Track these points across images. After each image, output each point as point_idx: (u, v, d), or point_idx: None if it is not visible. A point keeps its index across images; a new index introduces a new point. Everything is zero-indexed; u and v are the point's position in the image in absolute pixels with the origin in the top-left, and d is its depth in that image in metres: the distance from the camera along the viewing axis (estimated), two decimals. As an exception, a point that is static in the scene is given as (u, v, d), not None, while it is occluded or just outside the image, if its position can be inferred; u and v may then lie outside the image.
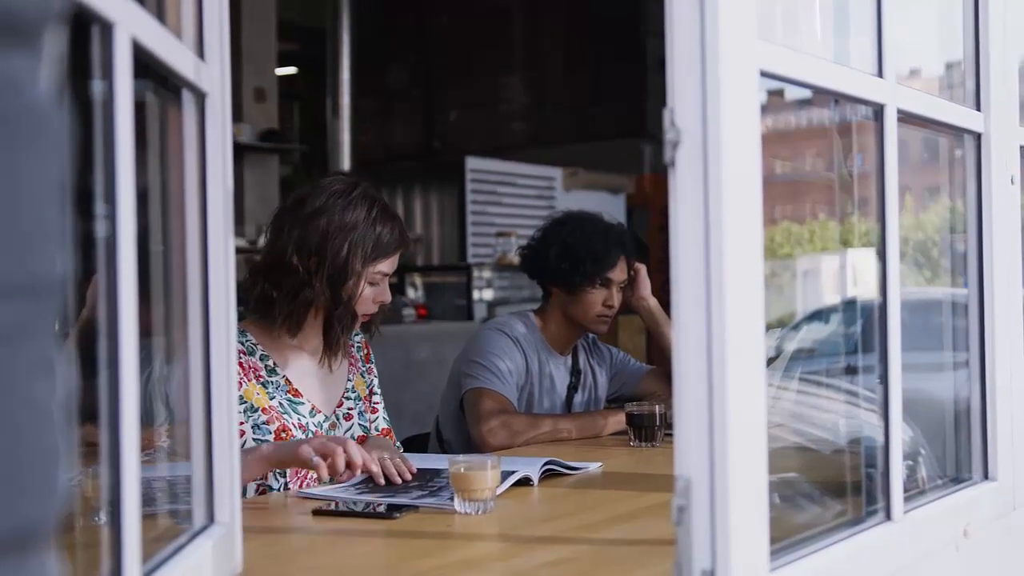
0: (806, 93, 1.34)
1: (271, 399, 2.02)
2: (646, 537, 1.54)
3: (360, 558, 1.53)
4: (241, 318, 2.07)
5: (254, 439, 1.97)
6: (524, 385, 2.65)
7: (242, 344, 2.03)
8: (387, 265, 2.07)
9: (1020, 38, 1.69)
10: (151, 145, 1.15)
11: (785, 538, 1.15)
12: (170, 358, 1.22)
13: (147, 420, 0.96)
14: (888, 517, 1.33)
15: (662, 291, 2.12)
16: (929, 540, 1.43)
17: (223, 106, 1.20)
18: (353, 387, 2.20)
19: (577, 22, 8.47)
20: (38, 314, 0.53)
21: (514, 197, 7.33)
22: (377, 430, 2.23)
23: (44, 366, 0.54)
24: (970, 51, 1.62)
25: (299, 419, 2.05)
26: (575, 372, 2.79)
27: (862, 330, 1.55)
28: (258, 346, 2.06)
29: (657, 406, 2.40)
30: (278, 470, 1.98)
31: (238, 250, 1.38)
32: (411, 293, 6.73)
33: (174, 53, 1.04)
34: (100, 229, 0.85)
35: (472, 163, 7.20)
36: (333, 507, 1.72)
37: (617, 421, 2.53)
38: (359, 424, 2.18)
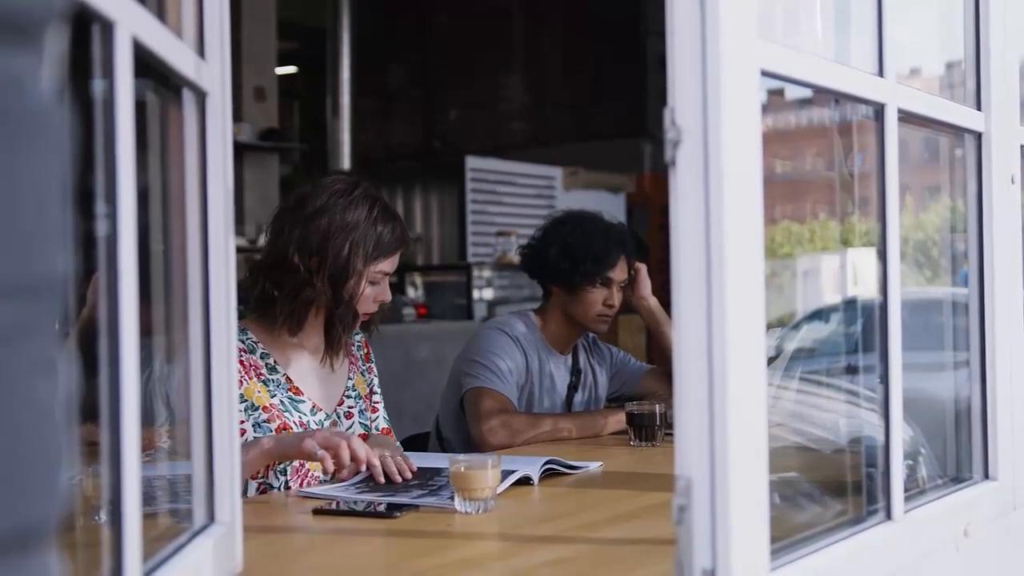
0: (806, 92, 1.34)
1: (272, 397, 2.03)
2: (646, 536, 1.54)
3: (360, 557, 1.53)
4: (241, 317, 2.07)
5: (255, 437, 1.97)
6: (524, 384, 2.65)
7: (243, 342, 2.03)
8: (388, 264, 2.08)
9: (1020, 37, 1.69)
10: (152, 144, 1.15)
11: (785, 537, 1.15)
12: (171, 357, 1.22)
13: (147, 419, 0.96)
14: (888, 517, 1.33)
15: (662, 290, 2.12)
16: (929, 540, 1.43)
17: (223, 105, 1.20)
18: (353, 385, 2.20)
19: (577, 21, 8.47)
20: (39, 314, 0.53)
21: (514, 196, 7.33)
22: (377, 429, 2.23)
23: (45, 366, 0.54)
24: (970, 50, 1.62)
25: (300, 417, 2.05)
26: (575, 371, 2.79)
27: (862, 330, 1.55)
28: (259, 344, 2.06)
29: (657, 405, 2.40)
30: (278, 469, 1.98)
31: (238, 249, 1.38)
32: (411, 292, 6.73)
33: (175, 52, 1.04)
34: (101, 228, 0.85)
35: (472, 162, 7.20)
36: (333, 506, 1.72)
37: (617, 420, 2.53)
38: (360, 423, 2.18)
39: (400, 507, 1.69)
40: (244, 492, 1.90)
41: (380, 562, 1.52)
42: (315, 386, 2.11)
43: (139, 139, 0.89)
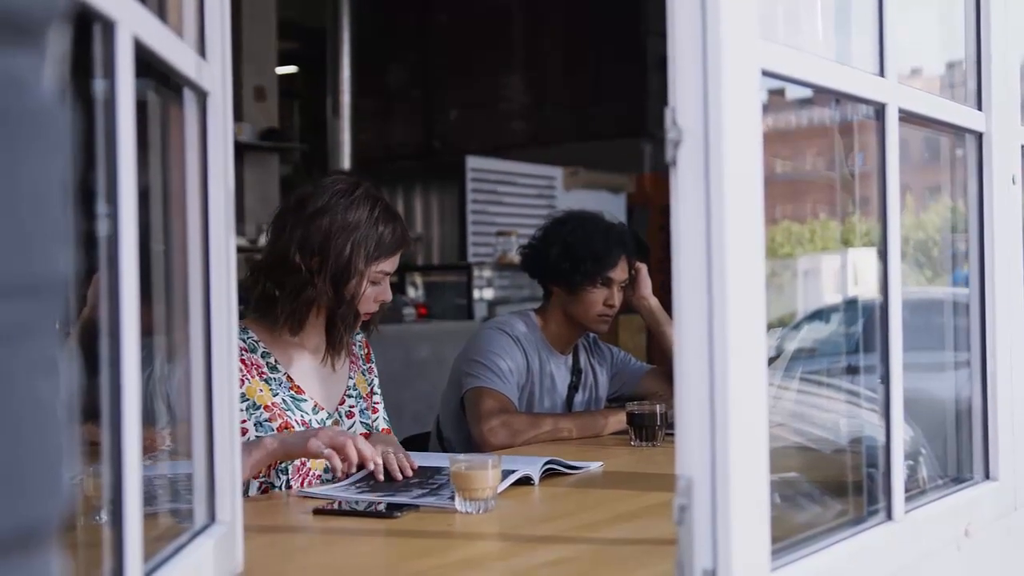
0: (807, 92, 1.34)
1: (274, 396, 2.03)
2: (647, 536, 1.54)
3: (361, 557, 1.53)
4: (241, 317, 2.07)
5: (257, 437, 1.97)
6: (525, 384, 2.65)
7: (244, 341, 2.03)
8: (389, 264, 2.08)
9: (1021, 37, 1.69)
10: (153, 144, 1.15)
11: (786, 538, 1.15)
12: (171, 357, 1.22)
13: (148, 419, 0.96)
14: (889, 517, 1.33)
15: (662, 290, 2.12)
16: (930, 540, 1.43)
17: (224, 105, 1.20)
18: (354, 385, 2.20)
19: (577, 21, 8.47)
20: (40, 314, 0.53)
21: (514, 196, 7.33)
22: (377, 430, 2.23)
23: (47, 365, 0.54)
24: (971, 50, 1.62)
25: (302, 416, 2.05)
26: (576, 371, 2.79)
27: (863, 330, 1.55)
28: (260, 343, 2.06)
29: (658, 405, 2.40)
30: (280, 468, 1.98)
31: (238, 249, 1.38)
32: (411, 292, 6.73)
33: (176, 52, 1.04)
34: (102, 228, 0.85)
35: (472, 162, 7.20)
36: (334, 506, 1.72)
37: (618, 420, 2.53)
38: (361, 422, 2.18)
39: (400, 507, 1.69)
40: (246, 491, 1.90)
41: (380, 562, 1.52)
42: (316, 385, 2.11)
43: (140, 139, 0.89)
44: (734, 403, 0.99)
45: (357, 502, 1.75)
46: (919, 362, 1.53)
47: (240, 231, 6.17)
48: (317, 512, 1.70)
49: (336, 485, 1.90)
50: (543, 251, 2.70)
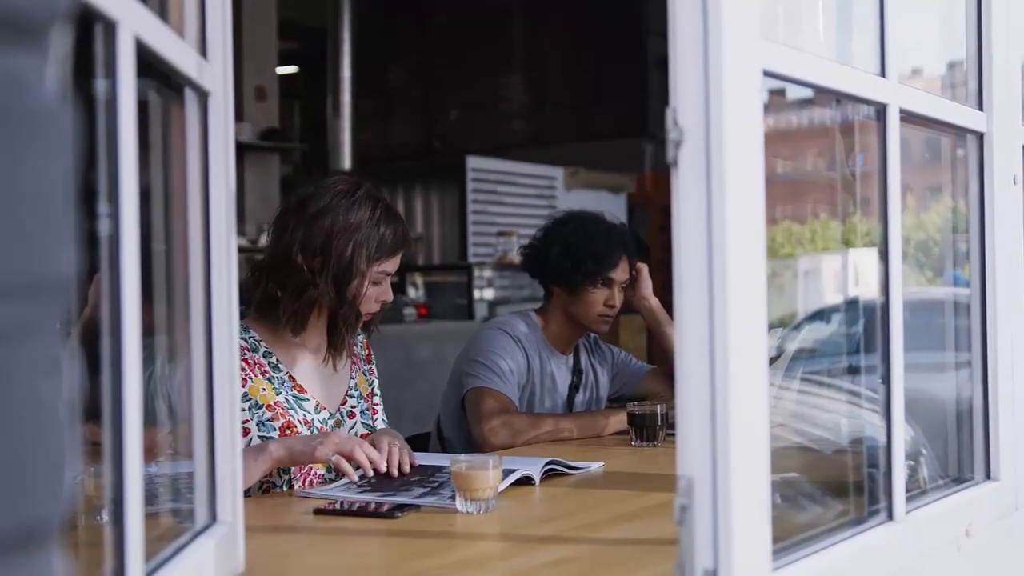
0: (808, 92, 1.34)
1: (277, 394, 2.03)
2: (648, 537, 1.54)
3: (362, 557, 1.53)
4: (243, 317, 2.07)
5: (259, 436, 1.98)
6: (525, 384, 2.65)
7: (246, 341, 2.04)
8: (390, 265, 2.08)
9: (1022, 37, 1.69)
10: (154, 144, 1.14)
11: (787, 538, 1.15)
12: (173, 357, 1.22)
13: (149, 419, 0.96)
14: (890, 517, 1.33)
15: (663, 290, 2.12)
16: (931, 540, 1.43)
17: (225, 105, 1.20)
18: (356, 385, 2.20)
19: (577, 21, 8.47)
20: (42, 313, 0.53)
21: (515, 196, 7.33)
22: (357, 436, 2.22)
23: (49, 365, 0.54)
24: (973, 51, 1.62)
25: (304, 415, 2.05)
26: (576, 371, 2.78)
27: (864, 330, 1.55)
28: (261, 343, 2.07)
29: (659, 406, 2.40)
30: (281, 468, 1.98)
31: (239, 249, 1.38)
32: (412, 292, 6.73)
33: (177, 52, 1.04)
34: (103, 228, 0.85)
35: (473, 162, 7.20)
36: (335, 506, 1.72)
37: (619, 421, 2.53)
38: (362, 422, 2.18)
39: (401, 507, 1.69)
40: (247, 491, 1.90)
41: (381, 562, 1.52)
42: (318, 385, 2.12)
43: (141, 139, 0.89)
44: (735, 403, 0.99)
45: (358, 502, 1.75)
46: (920, 362, 1.53)
47: (240, 231, 6.17)
48: (318, 512, 1.70)
49: (337, 485, 1.90)
50: (544, 251, 2.70)
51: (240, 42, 6.40)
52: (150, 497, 0.95)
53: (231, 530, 1.21)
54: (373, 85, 8.79)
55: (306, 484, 2.01)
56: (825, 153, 1.70)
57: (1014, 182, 1.66)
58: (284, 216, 2.07)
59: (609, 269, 2.64)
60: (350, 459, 1.85)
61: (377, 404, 2.26)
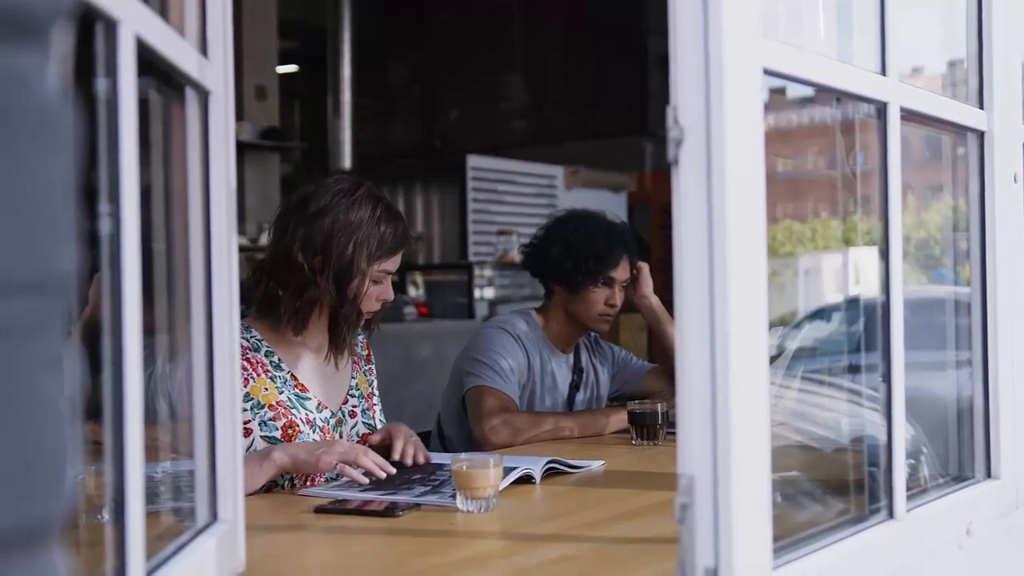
0: (808, 91, 1.34)
1: (280, 393, 2.03)
2: (649, 535, 1.54)
3: (362, 556, 1.53)
4: (243, 316, 2.07)
5: (262, 436, 1.98)
6: (526, 383, 2.65)
7: (247, 341, 2.04)
8: (391, 263, 2.08)
9: (1023, 36, 1.69)
10: (155, 143, 1.14)
11: (788, 536, 1.15)
12: (173, 356, 1.22)
13: (150, 418, 0.96)
14: (891, 515, 1.33)
15: (663, 289, 2.12)
16: (932, 538, 1.43)
17: (226, 104, 1.20)
18: (357, 385, 2.21)
19: (577, 20, 8.47)
20: (45, 312, 0.53)
21: (515, 195, 7.33)
22: (358, 435, 2.22)
23: (52, 363, 0.54)
24: (973, 49, 1.62)
25: (307, 414, 2.06)
26: (577, 370, 2.79)
27: (864, 329, 1.55)
28: (263, 342, 2.07)
29: (659, 404, 2.40)
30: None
31: (239, 248, 1.38)
32: (412, 291, 6.73)
33: (178, 51, 1.04)
34: (104, 227, 0.85)
35: (473, 161, 7.19)
36: (336, 505, 1.73)
37: (619, 419, 2.53)
38: (363, 422, 2.18)
39: (402, 506, 1.69)
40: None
41: (382, 561, 1.52)
42: (320, 384, 2.12)
43: (142, 138, 0.89)
44: (736, 402, 0.99)
45: (359, 501, 1.75)
46: (920, 361, 1.53)
47: (241, 230, 6.17)
48: (319, 511, 1.70)
49: (337, 484, 1.91)
50: (545, 250, 2.70)
51: (240, 41, 6.41)
52: (151, 496, 0.95)
53: (232, 528, 1.21)
54: (373, 84, 8.79)
55: (307, 483, 2.01)
56: (826, 152, 1.70)
57: (1015, 180, 1.66)
58: (285, 215, 2.07)
59: (610, 268, 2.64)
60: (357, 466, 1.86)
61: (375, 405, 2.26)
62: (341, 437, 2.13)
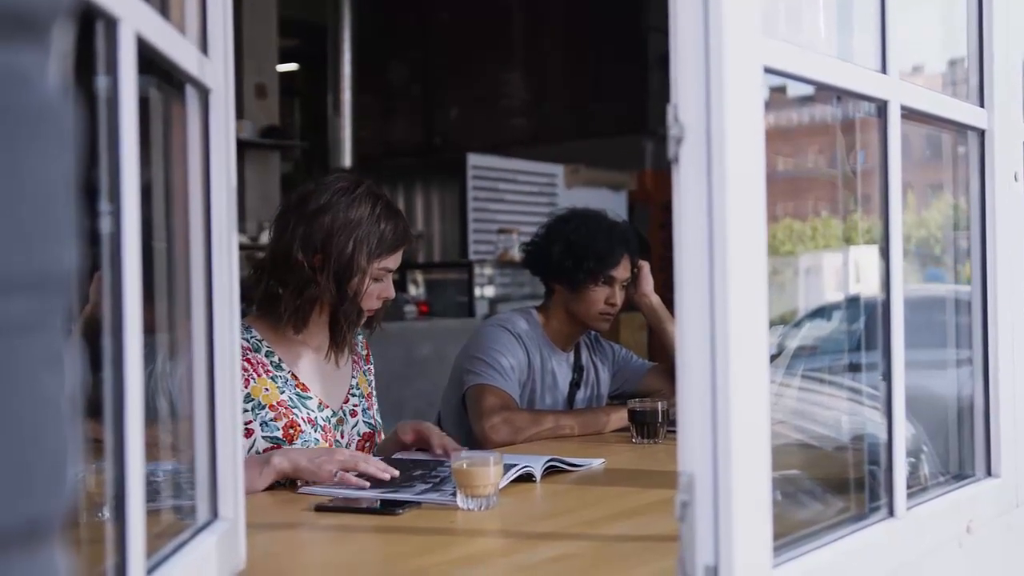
0: (808, 89, 1.34)
1: (281, 393, 2.03)
2: (649, 533, 1.55)
3: (363, 554, 1.53)
4: (244, 316, 2.07)
5: (263, 437, 1.98)
6: (526, 381, 2.65)
7: (247, 341, 2.04)
8: (391, 261, 2.08)
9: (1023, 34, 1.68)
10: (155, 141, 1.14)
11: (788, 534, 1.15)
12: (174, 354, 1.22)
13: (151, 416, 0.96)
14: (891, 513, 1.33)
15: (663, 288, 2.12)
16: (932, 537, 1.43)
17: (227, 102, 1.20)
18: (357, 384, 2.21)
19: (578, 18, 8.47)
20: (46, 309, 0.53)
21: (515, 194, 7.33)
22: (359, 434, 2.22)
23: (53, 360, 0.54)
24: (974, 47, 1.62)
25: (308, 413, 2.06)
26: (577, 368, 2.79)
27: (865, 327, 1.55)
28: (263, 342, 2.07)
29: (659, 402, 2.41)
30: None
31: (240, 247, 1.38)
32: (412, 290, 6.73)
33: (178, 49, 1.04)
34: (104, 226, 0.85)
35: (473, 160, 7.20)
36: (336, 503, 1.73)
37: (619, 418, 2.53)
38: (363, 421, 2.18)
39: (402, 504, 1.69)
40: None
41: (382, 558, 1.52)
42: (320, 384, 2.12)
43: (142, 136, 0.89)
44: (736, 400, 0.99)
45: (359, 499, 1.75)
46: (921, 359, 1.53)
47: (241, 228, 6.16)
48: (319, 509, 1.70)
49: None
50: (546, 249, 2.70)
51: (240, 39, 6.41)
52: (151, 494, 0.96)
53: (232, 526, 1.21)
54: (374, 83, 8.80)
55: (308, 481, 2.00)
56: (826, 150, 1.70)
57: (1015, 179, 1.66)
58: (285, 214, 2.07)
59: (611, 267, 2.65)
60: (359, 472, 1.85)
61: (373, 404, 2.26)
62: (342, 436, 2.13)
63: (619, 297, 2.67)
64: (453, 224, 7.38)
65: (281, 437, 2.00)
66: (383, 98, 9.23)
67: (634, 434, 2.40)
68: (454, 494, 1.69)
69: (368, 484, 1.84)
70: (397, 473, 1.87)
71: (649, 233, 6.68)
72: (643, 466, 2.17)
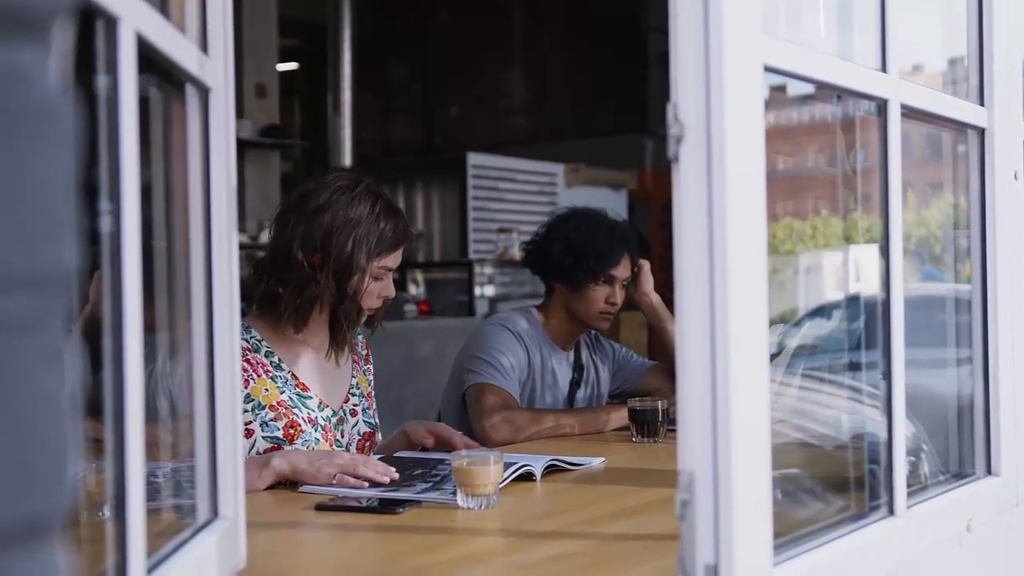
0: (808, 88, 1.34)
1: (281, 393, 2.03)
2: (649, 532, 1.55)
3: (363, 553, 1.53)
4: (244, 315, 2.07)
5: (263, 437, 1.98)
6: (526, 380, 2.65)
7: (247, 341, 2.04)
8: (391, 260, 2.08)
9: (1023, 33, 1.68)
10: (155, 140, 1.14)
11: (788, 533, 1.15)
12: (174, 353, 1.22)
13: (151, 415, 0.96)
14: (891, 512, 1.33)
15: (663, 287, 2.12)
16: (932, 535, 1.43)
17: (227, 101, 1.20)
18: (357, 384, 2.21)
19: (578, 18, 8.46)
20: (46, 307, 0.53)
21: (515, 193, 7.33)
22: (359, 434, 2.22)
23: (53, 358, 0.54)
24: (974, 46, 1.62)
25: (308, 413, 2.05)
26: (577, 368, 2.79)
27: (865, 326, 1.55)
28: (263, 342, 2.07)
29: (659, 401, 2.41)
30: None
31: (240, 246, 1.38)
32: (412, 289, 6.73)
33: (178, 48, 1.04)
34: (104, 225, 0.85)
35: (473, 159, 7.20)
36: (336, 502, 1.73)
37: (619, 416, 2.53)
38: (364, 421, 2.18)
39: (402, 503, 1.69)
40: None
41: (383, 558, 1.52)
42: (320, 383, 2.12)
43: (142, 135, 0.89)
44: (736, 399, 0.99)
45: (360, 498, 1.75)
46: (921, 358, 1.53)
47: (241, 228, 6.16)
48: (320, 508, 1.70)
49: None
50: (546, 248, 2.70)
51: (240, 39, 6.41)
52: (152, 493, 0.96)
53: (233, 525, 1.21)
54: (374, 82, 8.80)
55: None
56: (826, 149, 1.70)
57: (1015, 178, 1.66)
58: (285, 213, 2.07)
59: (611, 267, 2.65)
60: (360, 475, 1.84)
61: (372, 404, 2.26)
62: (343, 436, 2.13)
63: (619, 296, 2.67)
64: (453, 223, 7.39)
65: (281, 437, 2.00)
66: (383, 98, 9.23)
67: (634, 433, 2.40)
68: (454, 493, 1.70)
69: (367, 484, 1.84)
70: (397, 476, 1.86)
71: (649, 232, 6.67)
72: (643, 465, 2.17)
